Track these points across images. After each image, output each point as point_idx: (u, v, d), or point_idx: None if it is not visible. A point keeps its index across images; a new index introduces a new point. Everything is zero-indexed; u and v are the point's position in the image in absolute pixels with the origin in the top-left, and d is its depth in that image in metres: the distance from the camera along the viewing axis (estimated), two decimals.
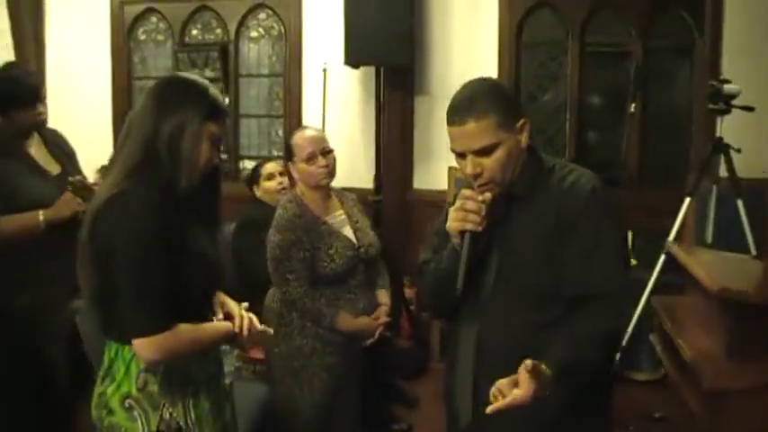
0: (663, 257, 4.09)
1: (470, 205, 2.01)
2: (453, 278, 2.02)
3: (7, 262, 3.16)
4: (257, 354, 3.64)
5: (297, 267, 3.07)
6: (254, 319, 2.31)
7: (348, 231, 3.24)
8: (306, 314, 3.11)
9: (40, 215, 3.11)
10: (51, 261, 3.12)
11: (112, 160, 2.10)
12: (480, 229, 2.01)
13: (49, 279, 3.11)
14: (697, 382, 2.47)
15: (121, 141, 2.11)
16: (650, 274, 4.15)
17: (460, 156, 2.05)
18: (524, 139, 2.07)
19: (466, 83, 2.11)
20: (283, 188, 4.14)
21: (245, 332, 2.25)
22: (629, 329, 4.15)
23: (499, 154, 2.01)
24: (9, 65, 3.45)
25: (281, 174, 4.26)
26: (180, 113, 2.04)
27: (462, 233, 2.03)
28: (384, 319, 3.27)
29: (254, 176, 4.36)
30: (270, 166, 4.31)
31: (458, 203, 2.05)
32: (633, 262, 5.03)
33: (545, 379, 1.83)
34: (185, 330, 2.04)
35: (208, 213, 2.22)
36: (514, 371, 1.93)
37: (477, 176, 2.03)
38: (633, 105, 5.12)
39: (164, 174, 2.03)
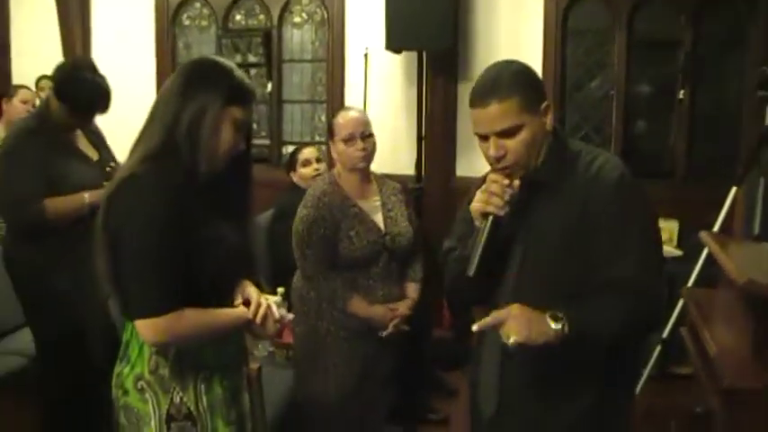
0: (706, 250, 3.99)
1: (494, 188, 1.97)
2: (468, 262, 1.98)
3: (47, 243, 3.29)
4: (290, 339, 3.64)
5: (316, 244, 3.06)
6: (273, 306, 2.23)
7: (378, 218, 3.20)
8: (321, 292, 3.09)
9: (86, 197, 3.25)
10: (88, 243, 3.20)
11: (134, 144, 2.07)
12: (502, 213, 1.96)
13: (85, 261, 3.17)
14: (718, 378, 2.38)
15: (146, 123, 2.08)
16: (696, 266, 4.05)
17: (483, 138, 2.01)
18: (548, 122, 2.04)
19: (490, 65, 2.07)
20: (318, 174, 4.11)
21: (259, 319, 2.17)
22: (671, 322, 4.07)
23: (523, 136, 1.97)
24: (83, 64, 3.51)
25: (317, 160, 4.26)
26: (201, 97, 2.00)
27: (485, 216, 1.98)
28: (403, 312, 3.19)
29: (292, 162, 4.36)
30: (307, 152, 4.31)
31: (483, 186, 2.01)
32: (678, 253, 4.96)
33: (557, 327, 1.87)
34: (190, 314, 1.99)
35: (235, 200, 2.18)
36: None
37: (499, 159, 1.98)
38: (682, 94, 5.01)
39: (183, 158, 1.99)
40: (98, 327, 3.19)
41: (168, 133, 2.00)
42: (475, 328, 1.94)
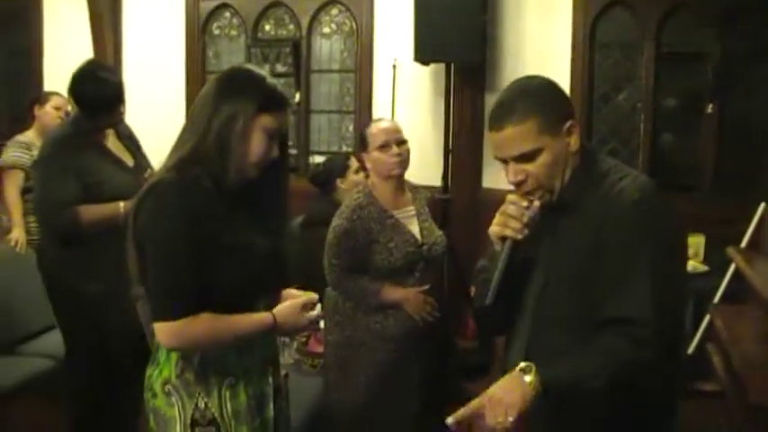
0: (733, 266, 3.98)
1: (512, 210, 1.89)
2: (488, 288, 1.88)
3: (81, 249, 3.34)
4: (317, 347, 3.66)
5: (343, 255, 3.09)
6: (296, 304, 2.18)
7: (414, 227, 3.22)
8: (351, 296, 3.13)
9: (122, 206, 3.27)
10: (119, 248, 3.26)
11: (171, 149, 2.11)
12: (520, 236, 1.87)
13: (116, 266, 3.23)
14: (744, 393, 2.38)
15: (181, 131, 2.12)
16: (722, 281, 4.04)
17: (503, 162, 1.92)
18: (573, 142, 1.91)
19: (511, 83, 1.99)
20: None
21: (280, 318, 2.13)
22: (696, 338, 4.05)
23: (543, 159, 1.87)
24: (93, 64, 3.57)
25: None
26: (233, 105, 2.02)
27: (503, 240, 1.90)
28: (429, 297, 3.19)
29: (342, 169, 4.24)
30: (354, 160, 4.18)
31: (502, 207, 1.93)
32: (705, 268, 4.92)
33: (532, 388, 1.73)
34: (207, 320, 2.00)
35: (268, 208, 2.19)
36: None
37: (520, 184, 1.90)
38: (710, 108, 4.99)
39: (212, 165, 2.02)
40: (127, 332, 3.23)
41: (199, 140, 2.03)
42: (450, 421, 1.77)
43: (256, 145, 2.05)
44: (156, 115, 5.97)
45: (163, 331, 2.00)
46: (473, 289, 5.37)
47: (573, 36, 5.46)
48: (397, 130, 3.23)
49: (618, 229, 1.82)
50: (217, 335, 2.05)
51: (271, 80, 2.11)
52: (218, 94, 2.06)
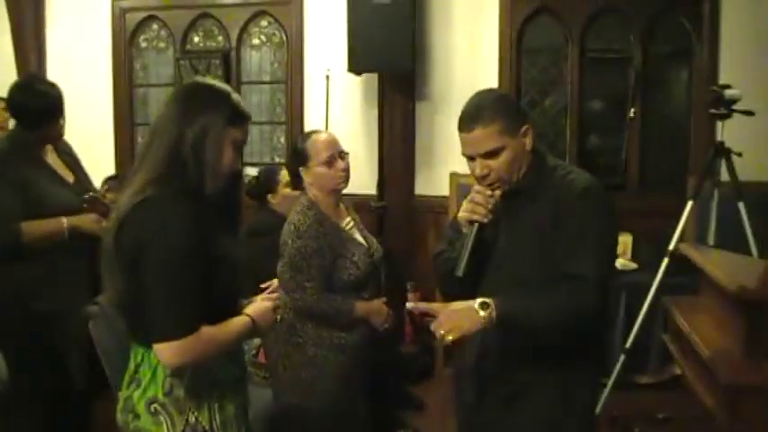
0: (666, 260, 4.13)
1: (479, 198, 2.26)
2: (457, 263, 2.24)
3: (29, 265, 3.28)
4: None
5: (315, 276, 3.03)
6: (266, 303, 2.29)
7: (359, 237, 3.24)
8: (323, 318, 3.07)
9: (64, 222, 3.26)
10: (69, 265, 3.29)
11: (134, 168, 2.10)
12: (486, 220, 2.24)
13: (67, 283, 3.20)
14: (714, 378, 2.52)
15: (144, 149, 2.12)
16: (652, 278, 4.18)
17: (470, 159, 2.29)
18: (528, 142, 2.30)
19: (475, 93, 2.35)
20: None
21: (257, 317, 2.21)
22: (633, 333, 4.19)
23: (504, 157, 2.24)
24: (31, 77, 3.54)
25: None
26: (203, 119, 2.06)
27: (471, 223, 2.25)
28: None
29: (273, 184, 4.25)
30: (284, 174, 4.16)
31: (469, 196, 2.29)
32: (634, 265, 5.09)
33: (483, 323, 2.09)
34: (207, 333, 2.02)
35: (231, 217, 2.26)
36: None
37: (485, 177, 2.26)
38: (633, 110, 5.16)
39: (189, 179, 2.05)
40: (78, 349, 3.18)
41: (172, 156, 2.05)
42: (409, 305, 2.36)
43: (227, 157, 2.11)
44: (84, 129, 5.86)
45: (166, 351, 1.98)
46: (411, 294, 5.49)
47: (500, 43, 5.58)
48: (338, 143, 3.21)
49: (572, 208, 2.21)
50: (218, 347, 2.08)
51: (235, 94, 2.16)
52: (186, 108, 2.08)
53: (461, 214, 2.30)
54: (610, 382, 4.17)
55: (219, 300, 2.11)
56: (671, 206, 4.48)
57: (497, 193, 2.26)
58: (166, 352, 1.98)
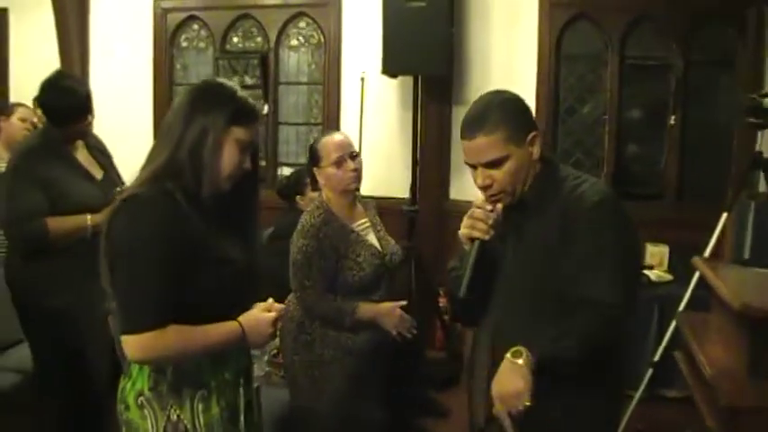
0: (697, 273, 4.04)
1: (478, 213, 2.11)
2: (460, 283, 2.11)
3: (48, 262, 3.32)
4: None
5: (315, 276, 3.04)
6: (265, 314, 2.19)
7: (373, 239, 3.23)
8: (325, 318, 3.08)
9: (89, 219, 3.28)
10: (89, 261, 3.25)
11: (143, 164, 2.11)
12: (487, 237, 2.10)
13: (86, 279, 3.22)
14: (715, 398, 2.45)
15: (153, 146, 2.12)
16: (687, 290, 4.10)
17: (473, 167, 2.13)
18: (536, 151, 2.13)
19: (480, 96, 2.19)
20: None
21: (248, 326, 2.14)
22: (662, 346, 4.11)
23: (509, 166, 2.08)
24: (60, 74, 3.56)
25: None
26: (204, 118, 2.04)
27: (472, 240, 2.12)
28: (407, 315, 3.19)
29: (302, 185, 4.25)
30: None
31: (469, 211, 2.15)
32: (669, 277, 4.99)
33: (528, 368, 1.94)
34: (174, 332, 1.99)
35: (241, 220, 2.21)
36: None
37: (487, 188, 2.11)
38: (673, 119, 5.07)
39: (185, 179, 2.03)
40: (98, 345, 3.21)
41: (172, 154, 2.04)
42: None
43: (229, 157, 2.07)
44: (124, 127, 5.96)
45: (129, 344, 1.99)
46: (441, 299, 5.46)
47: (539, 49, 5.52)
48: (350, 143, 3.21)
49: (583, 222, 2.05)
50: (185, 347, 2.04)
51: (242, 93, 2.12)
52: (190, 107, 2.07)
53: (462, 231, 2.15)
54: (637, 395, 4.09)
55: (205, 301, 2.07)
56: (710, 218, 4.37)
57: (499, 207, 2.13)
58: (128, 345, 1.99)
